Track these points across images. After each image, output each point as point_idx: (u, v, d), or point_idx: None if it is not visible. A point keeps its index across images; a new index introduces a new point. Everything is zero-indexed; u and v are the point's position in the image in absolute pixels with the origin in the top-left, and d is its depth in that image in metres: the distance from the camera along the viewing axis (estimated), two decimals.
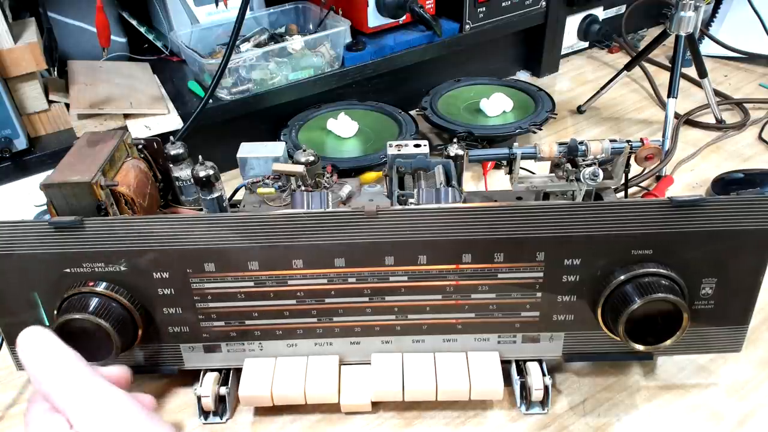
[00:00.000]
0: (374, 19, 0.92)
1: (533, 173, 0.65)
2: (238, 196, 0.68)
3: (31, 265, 0.48)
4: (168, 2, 0.89)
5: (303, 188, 0.58)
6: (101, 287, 0.48)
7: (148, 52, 0.96)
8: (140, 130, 0.76)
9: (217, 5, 0.88)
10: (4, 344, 0.53)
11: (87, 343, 0.48)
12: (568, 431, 0.52)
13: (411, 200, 0.54)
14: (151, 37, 0.95)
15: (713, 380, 0.56)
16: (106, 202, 0.51)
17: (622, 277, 0.48)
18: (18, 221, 0.47)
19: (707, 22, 1.16)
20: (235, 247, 0.48)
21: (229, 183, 0.79)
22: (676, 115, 0.92)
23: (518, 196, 0.63)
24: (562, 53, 1.14)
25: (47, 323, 0.51)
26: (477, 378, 0.52)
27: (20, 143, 0.73)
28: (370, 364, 0.54)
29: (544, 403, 0.53)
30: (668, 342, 0.48)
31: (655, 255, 0.48)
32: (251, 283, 0.50)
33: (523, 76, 1.13)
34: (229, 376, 0.54)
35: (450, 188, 0.52)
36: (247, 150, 0.66)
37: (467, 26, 0.97)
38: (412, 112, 0.90)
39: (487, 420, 0.53)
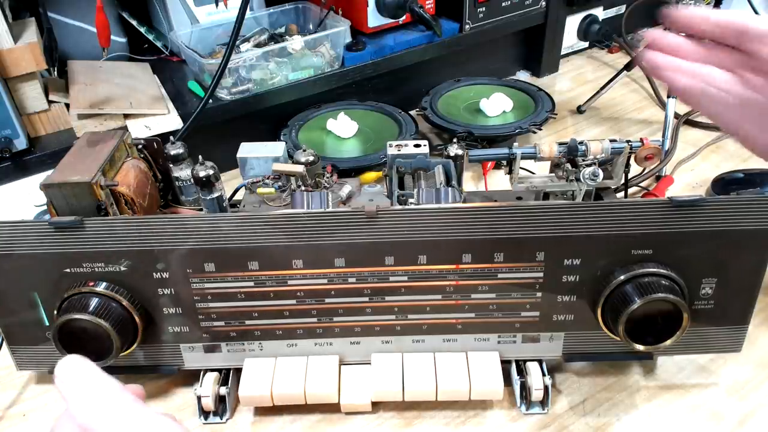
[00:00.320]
0: (374, 19, 0.92)
1: (533, 173, 0.65)
2: (238, 196, 0.68)
3: (31, 265, 0.48)
4: (168, 2, 0.89)
5: (303, 188, 0.58)
6: (101, 287, 0.48)
7: (148, 52, 0.96)
8: (140, 130, 0.76)
9: (217, 5, 0.88)
10: (5, 344, 0.53)
11: (87, 343, 0.48)
12: (568, 431, 0.52)
13: (411, 200, 0.54)
14: (151, 37, 0.95)
15: (713, 380, 0.56)
16: (106, 202, 0.51)
17: (622, 277, 0.48)
18: (18, 221, 0.47)
19: None
20: (235, 247, 0.48)
21: (229, 183, 0.79)
22: (676, 115, 0.92)
23: (518, 196, 0.63)
24: (562, 53, 1.14)
25: (47, 323, 0.51)
26: (477, 378, 0.52)
27: (20, 143, 0.73)
28: (370, 364, 0.54)
29: (544, 403, 0.53)
30: (668, 342, 0.48)
31: (655, 255, 0.48)
32: (251, 283, 0.50)
33: (523, 76, 1.13)
34: (229, 376, 0.54)
35: (450, 188, 0.52)
36: (247, 150, 0.66)
37: (467, 26, 0.97)
38: (412, 112, 0.90)
39: (487, 420, 0.53)
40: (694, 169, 0.85)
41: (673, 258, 0.48)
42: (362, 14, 0.91)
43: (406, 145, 0.60)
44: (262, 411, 0.55)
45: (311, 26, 0.95)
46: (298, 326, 0.53)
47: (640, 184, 0.80)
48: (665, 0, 1.15)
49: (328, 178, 0.61)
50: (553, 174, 0.61)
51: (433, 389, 0.52)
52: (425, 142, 0.60)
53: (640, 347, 0.48)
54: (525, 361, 0.54)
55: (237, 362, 0.54)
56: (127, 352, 0.50)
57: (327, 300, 0.51)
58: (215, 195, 0.58)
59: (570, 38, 1.14)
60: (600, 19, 1.14)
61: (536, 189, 0.61)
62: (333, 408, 0.54)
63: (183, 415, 0.55)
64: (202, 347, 0.53)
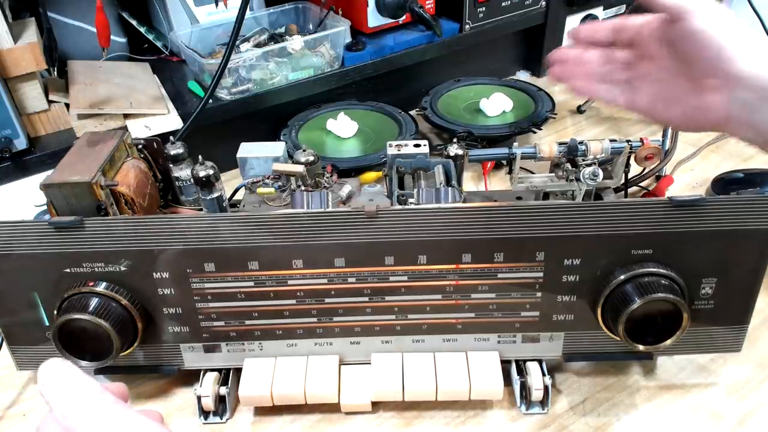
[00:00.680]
0: (374, 19, 0.92)
1: (533, 173, 0.65)
2: (238, 196, 0.68)
3: (31, 265, 0.48)
4: (168, 2, 0.89)
5: (303, 188, 0.58)
6: (101, 287, 0.48)
7: (148, 52, 0.96)
8: (140, 130, 0.76)
9: (217, 5, 0.88)
10: (5, 344, 0.53)
11: (87, 343, 0.48)
12: (568, 431, 0.52)
13: (411, 200, 0.54)
14: (151, 37, 0.95)
15: (713, 380, 0.56)
16: (106, 202, 0.51)
17: (622, 277, 0.48)
18: (18, 221, 0.47)
19: None
20: (235, 247, 0.48)
21: (229, 183, 0.79)
22: None
23: (518, 196, 0.63)
24: None
25: (47, 323, 0.51)
26: (477, 378, 0.52)
27: (20, 143, 0.73)
28: (370, 364, 0.54)
29: (544, 403, 0.53)
30: (668, 342, 0.48)
31: (655, 255, 0.48)
32: (251, 283, 0.50)
33: (523, 76, 1.13)
34: (229, 376, 0.54)
35: (450, 188, 0.52)
36: (247, 150, 0.66)
37: (467, 26, 0.97)
38: (412, 112, 0.90)
39: (487, 420, 0.53)
40: (694, 169, 0.85)
41: (673, 258, 0.48)
42: (362, 14, 0.91)
43: (406, 145, 0.60)
44: (262, 411, 0.55)
45: (311, 26, 0.95)
46: (298, 326, 0.53)
47: (640, 184, 0.80)
48: None
49: (328, 178, 0.61)
50: (553, 174, 0.61)
51: (433, 389, 0.52)
52: (425, 142, 0.60)
53: (640, 347, 0.48)
54: (525, 361, 0.54)
55: (237, 362, 0.54)
56: (127, 352, 0.50)
57: (327, 300, 0.51)
58: (215, 195, 0.58)
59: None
60: (600, 19, 1.14)
61: (536, 189, 0.61)
62: (333, 408, 0.54)
63: (183, 415, 0.55)
64: (202, 347, 0.53)
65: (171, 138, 0.64)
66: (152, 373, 0.57)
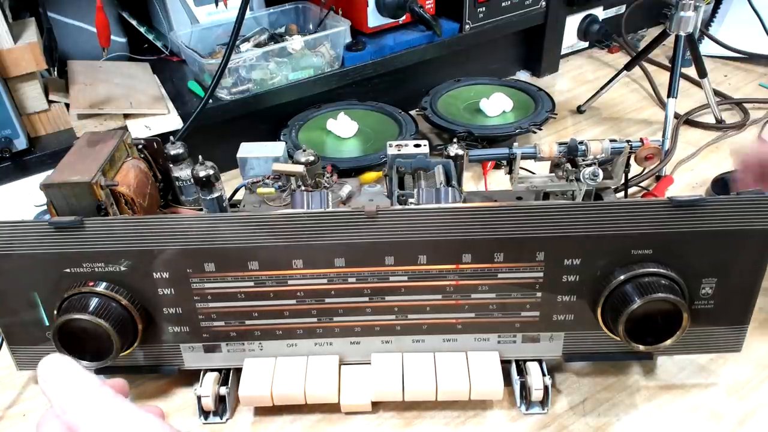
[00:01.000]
0: (374, 19, 0.92)
1: (533, 173, 0.65)
2: (238, 196, 0.68)
3: (31, 265, 0.48)
4: (168, 2, 0.89)
5: (303, 188, 0.58)
6: (101, 287, 0.48)
7: (148, 52, 0.96)
8: (140, 130, 0.76)
9: (217, 5, 0.88)
10: (5, 344, 0.53)
11: (87, 343, 0.48)
12: (568, 431, 0.52)
13: (411, 200, 0.54)
14: (151, 37, 0.95)
15: (713, 380, 0.56)
16: (106, 202, 0.51)
17: (622, 277, 0.48)
18: (18, 221, 0.47)
19: (707, 22, 1.16)
20: (235, 247, 0.48)
21: (229, 183, 0.79)
22: (676, 115, 0.92)
23: (518, 196, 0.63)
24: (562, 53, 1.14)
25: (47, 323, 0.51)
26: (477, 378, 0.52)
27: (20, 143, 0.73)
28: (370, 364, 0.54)
29: (544, 403, 0.53)
30: (668, 342, 0.48)
31: (655, 255, 0.48)
32: (251, 283, 0.50)
33: (523, 76, 1.13)
34: (229, 376, 0.54)
35: (450, 188, 0.52)
36: (247, 150, 0.66)
37: (467, 26, 0.97)
38: (412, 112, 0.90)
39: (487, 420, 0.53)
40: (694, 169, 0.85)
41: (673, 258, 0.48)
42: (362, 14, 0.91)
43: (406, 145, 0.60)
44: (262, 411, 0.55)
45: (311, 26, 0.95)
46: (298, 326, 0.53)
47: (640, 184, 0.80)
48: (665, 0, 1.15)
49: (328, 178, 0.61)
50: (553, 174, 0.61)
51: (433, 389, 0.52)
52: (425, 142, 0.60)
53: (640, 347, 0.48)
54: (525, 361, 0.54)
55: (237, 362, 0.54)
56: (127, 352, 0.50)
57: (327, 300, 0.51)
58: (215, 195, 0.58)
59: (570, 38, 1.14)
60: (600, 19, 1.14)
61: (536, 189, 0.61)
62: (333, 408, 0.54)
63: (183, 415, 0.55)
64: (202, 347, 0.53)
65: (171, 138, 0.64)
66: (152, 373, 0.57)
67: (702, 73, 0.92)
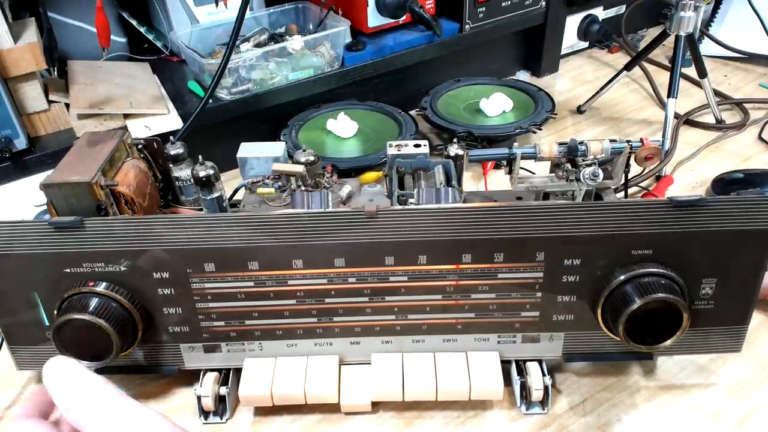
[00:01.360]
0: (374, 19, 0.92)
1: (533, 173, 0.65)
2: (238, 196, 0.68)
3: (31, 265, 0.48)
4: (168, 2, 0.89)
5: (303, 188, 0.58)
6: (101, 287, 0.48)
7: (148, 52, 0.96)
8: (140, 130, 0.76)
9: (217, 5, 0.88)
10: (5, 344, 0.53)
11: (87, 343, 0.48)
12: (568, 431, 0.52)
13: (411, 200, 0.54)
14: (151, 37, 0.95)
15: (713, 380, 0.56)
16: (106, 202, 0.51)
17: (622, 277, 0.48)
18: (18, 221, 0.47)
19: (707, 22, 1.16)
20: (235, 247, 0.48)
21: (229, 183, 0.79)
22: (676, 115, 0.92)
23: (518, 196, 0.63)
24: (562, 53, 1.14)
25: (47, 323, 0.51)
26: (477, 378, 0.52)
27: (20, 143, 0.73)
28: (370, 364, 0.54)
29: (544, 403, 0.53)
30: (668, 342, 0.48)
31: (655, 255, 0.48)
32: (251, 283, 0.50)
33: (523, 76, 1.13)
34: (229, 376, 0.54)
35: (450, 188, 0.52)
36: (247, 150, 0.66)
37: (467, 26, 0.97)
38: (412, 112, 0.90)
39: (487, 420, 0.53)
40: (694, 169, 0.85)
41: (673, 258, 0.48)
42: (362, 14, 0.91)
43: (406, 145, 0.60)
44: (262, 411, 0.55)
45: (311, 26, 0.95)
46: (298, 326, 0.53)
47: (640, 184, 0.80)
48: (665, 0, 1.15)
49: (328, 178, 0.61)
50: (553, 174, 0.61)
51: (433, 389, 0.52)
52: (425, 142, 0.60)
53: (640, 347, 0.48)
54: (525, 361, 0.54)
55: (237, 362, 0.54)
56: (127, 352, 0.50)
57: (327, 300, 0.51)
58: (215, 195, 0.58)
59: (570, 38, 1.14)
60: (600, 19, 1.14)
61: (536, 189, 0.61)
62: (333, 408, 0.54)
63: (183, 415, 0.55)
64: (202, 347, 0.53)
65: (171, 138, 0.64)
66: (152, 373, 0.57)
67: (702, 73, 0.92)
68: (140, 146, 0.60)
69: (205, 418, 0.54)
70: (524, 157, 0.60)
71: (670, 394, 0.55)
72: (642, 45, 1.17)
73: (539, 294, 0.50)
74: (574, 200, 0.60)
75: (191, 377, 0.55)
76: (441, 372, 0.52)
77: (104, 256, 0.48)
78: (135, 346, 0.51)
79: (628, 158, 0.60)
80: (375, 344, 0.54)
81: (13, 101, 0.72)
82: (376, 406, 0.54)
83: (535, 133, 0.85)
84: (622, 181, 0.62)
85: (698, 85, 1.00)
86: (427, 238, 0.48)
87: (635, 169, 0.67)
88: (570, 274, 0.49)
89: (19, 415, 0.39)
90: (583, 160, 0.59)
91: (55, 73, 0.80)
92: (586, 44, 1.18)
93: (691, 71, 0.98)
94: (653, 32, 1.24)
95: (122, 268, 0.48)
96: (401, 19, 0.93)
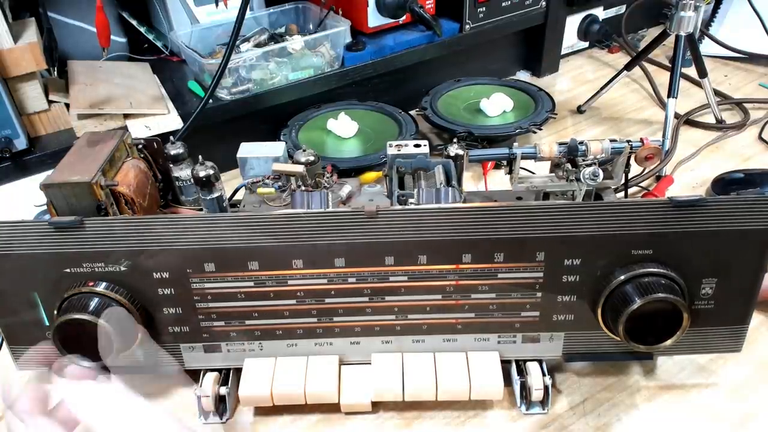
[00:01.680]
0: (374, 19, 0.92)
1: (533, 173, 0.65)
2: (238, 196, 0.68)
3: (31, 265, 0.48)
4: (168, 2, 0.89)
5: (303, 188, 0.58)
6: (101, 287, 0.48)
7: (148, 52, 0.96)
8: (140, 130, 0.76)
9: (217, 5, 0.88)
10: (5, 344, 0.53)
11: (87, 343, 0.48)
12: (568, 431, 0.52)
13: (411, 200, 0.54)
14: (151, 37, 0.95)
15: (713, 380, 0.56)
16: (106, 202, 0.51)
17: (622, 277, 0.48)
18: (18, 221, 0.47)
19: (707, 22, 1.16)
20: (235, 247, 0.48)
21: (229, 183, 0.79)
22: (676, 115, 0.92)
23: (518, 196, 0.63)
24: (562, 53, 1.14)
25: (47, 323, 0.51)
26: (477, 378, 0.52)
27: (20, 143, 0.73)
28: (370, 364, 0.54)
29: (544, 403, 0.53)
30: (668, 342, 0.48)
31: (655, 255, 0.48)
32: (251, 283, 0.50)
33: (523, 76, 1.13)
34: (229, 376, 0.54)
35: (450, 188, 0.52)
36: (247, 150, 0.66)
37: (467, 26, 0.97)
38: (412, 112, 0.90)
39: (487, 420, 0.53)
40: (694, 169, 0.85)
41: (673, 258, 0.48)
42: (362, 14, 0.91)
43: (406, 145, 0.60)
44: (262, 411, 0.55)
45: (311, 26, 0.95)
46: (298, 326, 0.53)
47: (640, 184, 0.80)
48: (665, 0, 1.15)
49: (328, 178, 0.61)
50: (553, 174, 0.61)
51: (433, 389, 0.52)
52: (425, 142, 0.60)
53: (640, 347, 0.48)
54: (525, 361, 0.54)
55: (237, 362, 0.54)
56: (127, 352, 0.50)
57: (327, 300, 0.51)
58: (215, 195, 0.58)
59: (570, 38, 1.14)
60: (600, 19, 1.14)
61: (536, 189, 0.61)
62: (333, 408, 0.54)
63: (183, 415, 0.55)
64: (202, 347, 0.53)
65: (171, 138, 0.64)
66: (152, 373, 0.57)
67: (702, 73, 0.92)
68: (140, 146, 0.60)
69: (205, 418, 0.54)
70: (524, 157, 0.60)
71: (670, 394, 0.55)
72: (642, 45, 1.17)
73: (539, 294, 0.50)
74: (574, 200, 0.60)
75: (191, 377, 0.55)
76: (441, 372, 0.52)
77: (104, 256, 0.48)
78: (135, 346, 0.51)
79: (628, 158, 0.60)
80: (375, 344, 0.54)
81: (13, 101, 0.72)
82: (376, 406, 0.54)
83: (535, 133, 0.85)
84: (622, 181, 0.61)
85: (698, 85, 1.00)
86: (427, 238, 0.48)
87: (635, 169, 0.67)
88: (570, 274, 0.49)
89: (28, 413, 0.39)
90: (583, 160, 0.59)
91: (55, 73, 0.80)
92: (586, 44, 1.18)
93: (692, 71, 0.98)
94: (653, 32, 1.24)
95: (122, 268, 0.48)
96: (401, 19, 0.93)
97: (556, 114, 0.89)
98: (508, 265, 0.49)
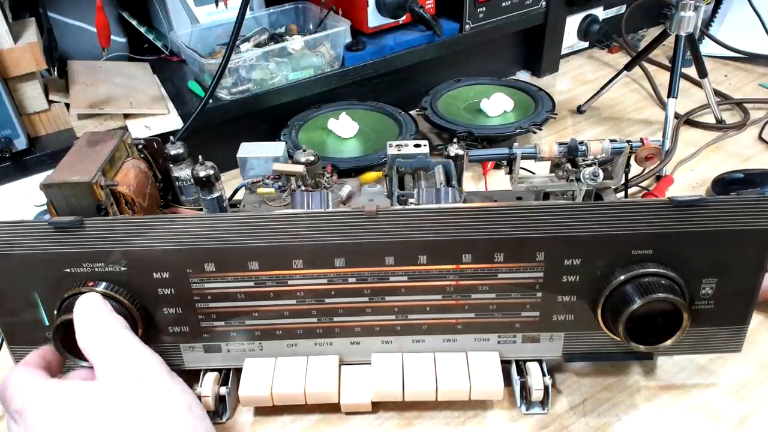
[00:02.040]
0: (374, 19, 0.92)
1: (533, 173, 0.65)
2: (238, 196, 0.68)
3: (31, 265, 0.48)
4: (168, 2, 0.89)
5: (303, 188, 0.58)
6: (101, 287, 0.48)
7: (148, 52, 0.96)
8: (140, 130, 0.76)
9: (217, 5, 0.88)
10: (5, 344, 0.53)
11: None
12: (568, 431, 0.52)
13: (411, 200, 0.54)
14: (151, 37, 0.95)
15: (713, 380, 0.56)
16: (106, 202, 0.51)
17: (622, 277, 0.48)
18: (18, 221, 0.47)
19: (707, 22, 1.16)
20: (235, 247, 0.48)
21: (229, 183, 0.79)
22: (676, 115, 0.92)
23: (518, 196, 0.63)
24: (562, 53, 1.14)
25: (47, 323, 0.51)
26: (477, 378, 0.52)
27: (20, 143, 0.73)
28: (370, 364, 0.54)
29: (544, 403, 0.53)
30: (668, 342, 0.48)
31: (655, 255, 0.48)
32: (251, 283, 0.50)
33: (523, 76, 1.13)
34: (229, 376, 0.54)
35: (450, 188, 0.52)
36: (247, 150, 0.66)
37: (467, 26, 0.97)
38: (412, 112, 0.90)
39: (487, 420, 0.53)
40: (694, 169, 0.85)
41: (673, 258, 0.48)
42: (362, 14, 0.91)
43: (406, 145, 0.60)
44: (262, 411, 0.55)
45: (311, 26, 0.95)
46: (298, 326, 0.53)
47: (640, 184, 0.80)
48: (665, 0, 1.15)
49: (328, 178, 0.61)
50: (553, 174, 0.61)
51: (433, 389, 0.52)
52: (425, 142, 0.60)
53: (640, 347, 0.48)
54: (525, 361, 0.54)
55: (237, 362, 0.54)
56: None
57: (327, 300, 0.51)
58: (215, 195, 0.58)
59: (570, 38, 1.14)
60: (600, 19, 1.14)
61: (536, 189, 0.61)
62: (333, 408, 0.54)
63: None
64: (202, 347, 0.53)
65: (171, 138, 0.64)
66: None
67: (702, 73, 0.92)
68: (140, 146, 0.60)
69: None
70: (524, 157, 0.60)
71: (670, 394, 0.55)
72: (642, 45, 1.17)
73: (539, 294, 0.50)
74: (574, 200, 0.60)
75: (191, 377, 0.55)
76: (441, 372, 0.52)
77: (104, 256, 0.48)
78: None
79: (628, 158, 0.60)
80: (375, 344, 0.54)
81: (13, 101, 0.72)
82: (376, 406, 0.54)
83: (535, 133, 0.85)
84: (622, 181, 0.61)
85: (698, 85, 1.00)
86: (427, 238, 0.48)
87: (635, 169, 0.67)
88: (570, 274, 0.49)
89: (20, 412, 0.40)
90: (583, 160, 0.59)
91: (55, 73, 0.80)
92: (586, 44, 1.18)
93: (692, 71, 0.98)
94: (653, 32, 1.24)
95: (122, 268, 0.48)
96: (401, 19, 0.93)
97: (556, 114, 0.89)
98: (508, 265, 0.49)
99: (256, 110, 0.84)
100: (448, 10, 0.97)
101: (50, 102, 0.76)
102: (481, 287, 0.50)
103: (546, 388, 0.52)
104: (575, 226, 0.47)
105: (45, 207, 0.52)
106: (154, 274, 0.49)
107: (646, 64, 1.08)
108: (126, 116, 0.77)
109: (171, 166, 0.63)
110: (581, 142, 0.59)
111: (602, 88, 0.99)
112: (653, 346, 0.48)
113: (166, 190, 0.64)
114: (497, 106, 0.89)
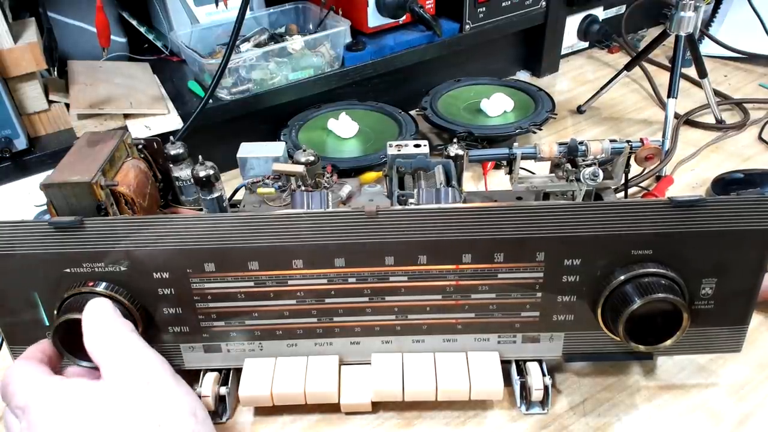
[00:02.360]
0: (374, 19, 0.92)
1: (533, 173, 0.65)
2: (238, 196, 0.68)
3: (31, 265, 0.48)
4: (168, 2, 0.89)
5: (303, 188, 0.58)
6: (101, 287, 0.48)
7: (148, 52, 0.96)
8: (140, 130, 0.76)
9: (217, 5, 0.88)
10: (5, 344, 0.53)
11: None
12: (568, 431, 0.52)
13: (411, 200, 0.54)
14: (151, 37, 0.95)
15: (713, 380, 0.56)
16: (106, 202, 0.51)
17: (622, 277, 0.48)
18: (18, 221, 0.47)
19: (707, 22, 1.16)
20: (235, 247, 0.48)
21: (229, 183, 0.79)
22: (676, 115, 0.92)
23: (518, 196, 0.63)
24: (562, 53, 1.14)
25: (47, 323, 0.51)
26: (477, 378, 0.52)
27: (20, 143, 0.73)
28: (370, 364, 0.54)
29: (544, 403, 0.53)
30: (668, 342, 0.48)
31: (655, 255, 0.48)
32: (251, 283, 0.50)
33: (523, 76, 1.13)
34: (229, 376, 0.54)
35: (450, 188, 0.52)
36: (247, 150, 0.66)
37: (467, 26, 0.97)
38: (412, 112, 0.90)
39: (487, 420, 0.53)
40: (694, 169, 0.85)
41: (673, 258, 0.48)
42: (362, 14, 0.91)
43: (406, 145, 0.60)
44: (262, 411, 0.55)
45: (311, 26, 0.95)
46: (298, 326, 0.53)
47: (640, 184, 0.80)
48: (665, 0, 1.15)
49: (328, 178, 0.61)
50: (553, 174, 0.61)
51: (433, 389, 0.52)
52: (425, 142, 0.60)
53: (640, 347, 0.48)
54: (525, 361, 0.54)
55: (237, 362, 0.54)
56: None
57: (327, 300, 0.51)
58: (215, 195, 0.58)
59: (570, 38, 1.14)
60: (600, 19, 1.14)
61: (536, 189, 0.61)
62: (333, 408, 0.54)
63: None
64: (202, 347, 0.53)
65: (171, 138, 0.64)
66: None
67: (702, 73, 0.92)
68: (140, 146, 0.60)
69: None
70: (524, 157, 0.60)
71: (670, 394, 0.55)
72: (642, 45, 1.17)
73: (539, 294, 0.50)
74: (574, 200, 0.60)
75: (191, 377, 0.55)
76: (441, 372, 0.52)
77: (104, 256, 0.48)
78: None
79: (628, 158, 0.60)
80: (375, 344, 0.54)
81: (13, 101, 0.72)
82: (376, 406, 0.54)
83: (535, 133, 0.85)
84: (622, 181, 0.62)
85: (698, 85, 1.00)
86: (427, 238, 0.48)
87: (635, 169, 0.67)
88: (570, 274, 0.49)
89: (21, 408, 0.40)
90: (583, 160, 0.59)
91: (55, 73, 0.80)
92: (586, 44, 1.18)
93: (691, 71, 0.98)
94: (653, 32, 1.24)
95: (122, 268, 0.48)
96: (401, 19, 0.93)
97: (556, 114, 0.89)
98: (508, 265, 0.49)
99: (256, 110, 0.84)
100: (448, 10, 0.97)
101: (50, 102, 0.76)
102: (481, 287, 0.50)
103: (546, 388, 0.52)
104: (575, 226, 0.47)
105: (45, 207, 0.52)
106: (154, 274, 0.49)
107: (646, 65, 1.08)
108: (126, 116, 0.77)
109: (171, 166, 0.63)
110: (581, 142, 0.59)
111: (602, 89, 0.99)
112: (653, 346, 0.48)
113: (166, 190, 0.64)
114: (497, 106, 0.89)
